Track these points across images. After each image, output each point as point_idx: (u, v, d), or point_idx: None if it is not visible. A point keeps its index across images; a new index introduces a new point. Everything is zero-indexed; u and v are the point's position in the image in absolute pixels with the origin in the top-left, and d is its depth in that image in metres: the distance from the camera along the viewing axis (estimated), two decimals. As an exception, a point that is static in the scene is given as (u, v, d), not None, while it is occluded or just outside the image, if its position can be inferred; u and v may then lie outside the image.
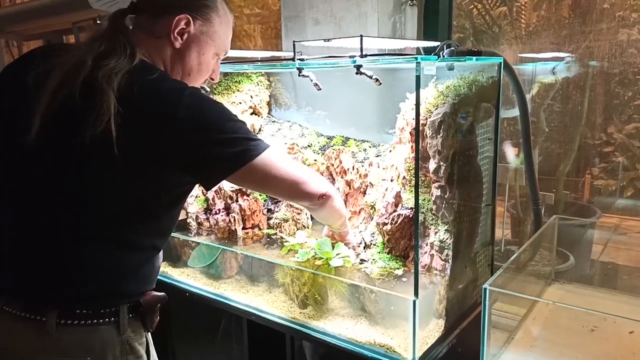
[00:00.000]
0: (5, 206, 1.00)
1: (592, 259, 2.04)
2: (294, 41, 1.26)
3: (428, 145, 1.21)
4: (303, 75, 1.31)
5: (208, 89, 1.69)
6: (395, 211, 1.30)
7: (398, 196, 1.31)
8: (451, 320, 1.29)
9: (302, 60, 1.28)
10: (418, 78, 1.03)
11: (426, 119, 1.22)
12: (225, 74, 1.88)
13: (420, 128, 1.23)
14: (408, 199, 1.34)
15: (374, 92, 1.63)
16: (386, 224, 1.30)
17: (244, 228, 1.63)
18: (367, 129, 1.75)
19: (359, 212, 1.63)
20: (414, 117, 1.22)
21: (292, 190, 1.09)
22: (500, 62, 1.39)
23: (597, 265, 2.04)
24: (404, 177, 1.34)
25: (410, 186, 1.33)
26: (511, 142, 2.30)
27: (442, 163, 1.19)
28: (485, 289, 1.11)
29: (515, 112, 1.66)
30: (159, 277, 1.61)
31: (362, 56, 1.12)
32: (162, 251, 1.15)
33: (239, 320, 1.50)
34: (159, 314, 1.11)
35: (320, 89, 1.36)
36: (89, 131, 0.88)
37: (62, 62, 0.93)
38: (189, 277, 1.63)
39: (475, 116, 1.30)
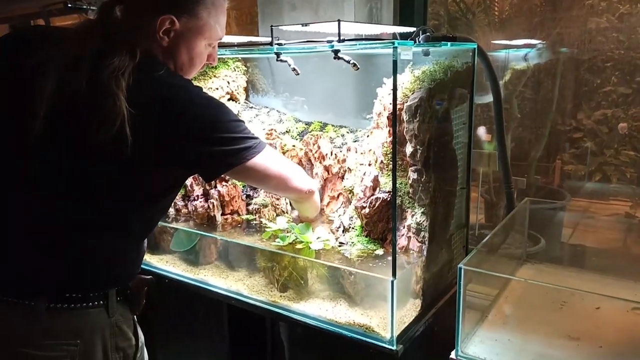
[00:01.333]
0: None
1: (562, 242, 2.11)
2: (271, 26, 1.26)
3: (405, 130, 1.23)
4: (281, 60, 1.31)
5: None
6: (373, 195, 1.33)
7: (376, 180, 1.33)
8: (427, 300, 1.33)
9: (280, 44, 1.28)
10: (395, 63, 1.05)
11: (403, 103, 1.24)
12: (202, 60, 1.87)
13: (397, 113, 1.26)
14: (385, 182, 1.36)
15: (351, 77, 1.64)
16: (364, 207, 1.33)
17: (223, 214, 1.63)
18: (345, 114, 1.77)
19: (337, 196, 1.65)
20: (392, 102, 1.24)
21: (285, 185, 1.17)
22: (474, 48, 1.42)
23: (567, 248, 2.11)
24: (381, 162, 1.37)
25: (387, 170, 1.35)
26: (485, 128, 2.35)
27: (418, 147, 1.22)
28: (460, 268, 1.15)
29: (488, 98, 1.70)
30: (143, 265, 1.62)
31: (340, 41, 1.13)
32: None
33: (219, 306, 1.51)
34: (145, 298, 1.12)
35: (298, 74, 1.36)
36: (99, 131, 0.88)
37: (60, 55, 0.92)
38: (168, 264, 1.63)
39: (451, 101, 1.33)
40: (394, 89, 1.08)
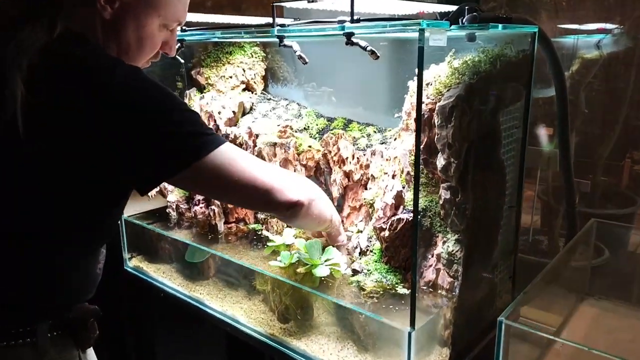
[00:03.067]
0: None
1: (630, 251, 1.77)
2: (272, 4, 1.02)
3: (436, 137, 0.96)
4: (284, 45, 1.07)
5: (182, 60, 1.47)
6: (395, 215, 1.07)
7: (399, 196, 1.07)
8: (459, 348, 1.07)
9: (283, 26, 1.04)
10: (421, 50, 0.79)
11: (435, 103, 0.97)
12: (215, 44, 1.65)
13: (428, 114, 0.99)
14: (412, 199, 1.10)
15: (386, 66, 1.38)
16: (384, 229, 1.07)
17: (226, 222, 1.42)
18: (376, 110, 1.51)
19: (359, 208, 1.40)
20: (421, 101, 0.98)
21: (252, 199, 0.88)
22: (535, 32, 1.12)
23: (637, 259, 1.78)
24: (407, 173, 1.10)
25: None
26: (545, 125, 2.02)
27: (452, 159, 0.95)
28: (500, 322, 0.88)
29: (550, 92, 1.39)
30: (135, 272, 1.44)
31: (353, 21, 0.88)
32: (103, 256, 0.96)
33: (215, 329, 1.31)
34: (98, 328, 0.93)
35: (306, 63, 1.11)
36: None
37: None
38: (164, 275, 1.45)
39: (499, 100, 1.04)
40: (419, 85, 0.81)
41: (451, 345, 1.04)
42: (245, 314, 1.23)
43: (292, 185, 0.90)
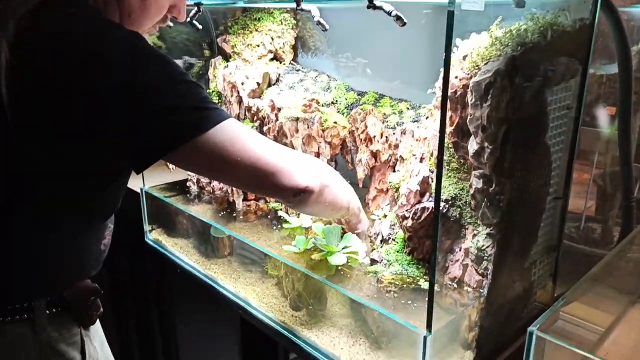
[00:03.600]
0: None
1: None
2: (290, -40, 0.91)
3: (469, 117, 0.84)
4: (301, 10, 0.96)
5: (200, 26, 1.38)
6: (419, 202, 0.96)
7: (426, 182, 0.96)
8: (485, 353, 0.96)
9: (300, -13, 0.93)
10: (451, 15, 0.67)
11: (470, 78, 0.84)
12: (244, 10, 1.56)
13: (461, 91, 0.87)
14: (443, 187, 0.98)
15: (426, 37, 1.25)
16: (406, 217, 0.97)
17: (245, 199, 1.36)
18: (411, 84, 1.39)
19: (387, 190, 1.30)
20: (455, 75, 0.86)
21: (256, 181, 0.79)
22: (597, -2, 0.96)
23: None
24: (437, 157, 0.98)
25: (449, 170, 0.97)
26: (607, 104, 1.82)
27: (486, 144, 0.82)
28: (531, 333, 0.77)
29: (611, 68, 1.22)
30: (155, 245, 1.41)
31: (375, -20, 0.76)
32: (109, 232, 0.91)
33: (229, 309, 1.26)
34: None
35: (325, 29, 1.00)
36: None
37: None
38: (181, 251, 1.40)
39: (548, 76, 0.90)
40: (446, 57, 0.70)
41: (476, 350, 0.94)
42: (258, 297, 1.16)
43: (302, 168, 0.81)
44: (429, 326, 0.79)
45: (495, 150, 0.82)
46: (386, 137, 1.24)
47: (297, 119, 1.26)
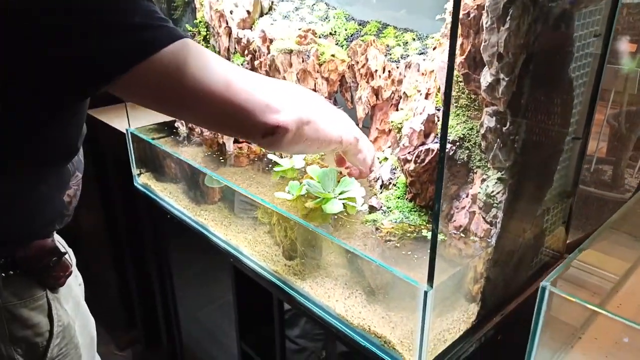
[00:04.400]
0: None
1: None
2: None
3: (483, 44, 0.72)
4: None
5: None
6: (423, 144, 0.86)
7: (430, 121, 0.85)
8: (490, 305, 0.90)
9: None
10: None
11: (486, -3, 0.72)
12: None
13: (475, 13, 0.74)
14: (451, 126, 0.88)
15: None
16: (409, 160, 0.87)
17: (236, 141, 1.26)
18: (417, 12, 1.25)
19: (389, 131, 1.19)
20: (467, -6, 0.73)
21: (214, 118, 0.67)
22: None
23: None
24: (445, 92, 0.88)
25: (458, 107, 0.87)
26: (628, 38, 1.66)
27: (502, 75, 0.71)
28: (544, 288, 0.69)
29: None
30: (144, 190, 1.33)
31: None
32: (77, 182, 0.82)
33: (220, 256, 1.20)
34: (66, 266, 0.82)
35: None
36: None
37: None
38: (171, 196, 1.33)
39: (577, -4, 0.77)
40: (459, -34, 0.57)
41: (480, 302, 0.87)
42: (250, 245, 1.10)
43: (273, 101, 0.69)
44: (430, 280, 0.71)
45: (511, 83, 0.71)
46: (389, 71, 1.12)
47: (290, 52, 1.14)
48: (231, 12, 1.27)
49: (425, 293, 0.72)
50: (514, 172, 0.81)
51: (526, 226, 0.90)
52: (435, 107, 0.89)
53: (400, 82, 1.11)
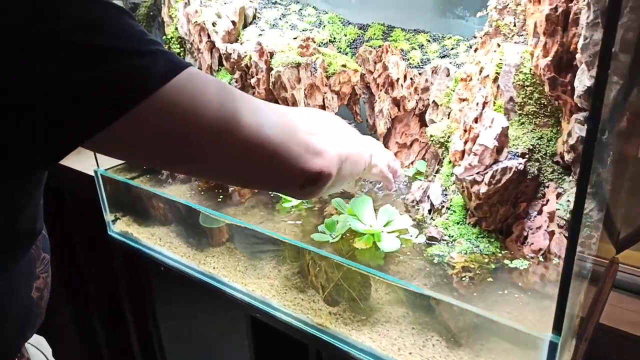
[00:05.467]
0: None
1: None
2: None
3: (582, 43, 0.62)
4: None
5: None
6: (497, 161, 0.75)
7: (504, 135, 0.74)
8: (584, 335, 0.80)
9: None
10: None
11: (578, -13, 0.62)
12: None
13: (563, 7, 0.64)
14: (517, 137, 0.77)
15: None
16: (479, 182, 0.75)
17: (237, 173, 1.09)
18: (420, 9, 1.14)
19: (411, 144, 1.08)
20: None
21: (243, 170, 0.49)
22: None
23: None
24: (510, 99, 0.77)
25: (522, 115, 0.76)
26: None
27: (615, 77, 0.61)
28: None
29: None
30: (123, 239, 1.14)
31: None
32: (44, 269, 0.62)
33: (237, 311, 1.03)
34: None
35: None
36: None
37: None
38: (162, 243, 1.13)
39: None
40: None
41: (577, 336, 0.77)
42: (278, 294, 0.93)
43: (312, 140, 0.53)
44: (557, 328, 0.60)
45: (625, 85, 0.61)
46: (411, 79, 1.00)
47: (298, 65, 0.99)
48: (214, 25, 1.10)
49: (554, 345, 0.60)
50: (603, 183, 0.71)
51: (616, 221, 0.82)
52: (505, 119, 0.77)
53: (425, 90, 0.99)
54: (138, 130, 0.40)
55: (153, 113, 0.40)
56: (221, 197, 1.09)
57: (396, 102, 1.02)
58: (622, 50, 0.60)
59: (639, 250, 1.09)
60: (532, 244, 0.78)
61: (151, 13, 1.22)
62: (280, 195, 1.03)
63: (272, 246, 0.99)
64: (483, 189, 0.75)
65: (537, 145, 0.77)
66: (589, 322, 0.85)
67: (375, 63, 1.04)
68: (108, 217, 1.22)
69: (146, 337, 1.33)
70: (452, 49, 1.03)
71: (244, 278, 0.99)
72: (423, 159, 1.08)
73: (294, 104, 1.02)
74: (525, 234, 0.79)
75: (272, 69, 1.01)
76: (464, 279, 0.75)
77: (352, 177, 0.68)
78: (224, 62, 1.11)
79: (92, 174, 1.18)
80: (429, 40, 1.06)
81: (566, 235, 0.76)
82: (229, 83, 1.14)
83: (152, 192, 1.11)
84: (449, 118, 0.94)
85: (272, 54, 1.02)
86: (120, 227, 1.21)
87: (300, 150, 0.51)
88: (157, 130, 0.41)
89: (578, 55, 0.63)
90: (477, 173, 0.75)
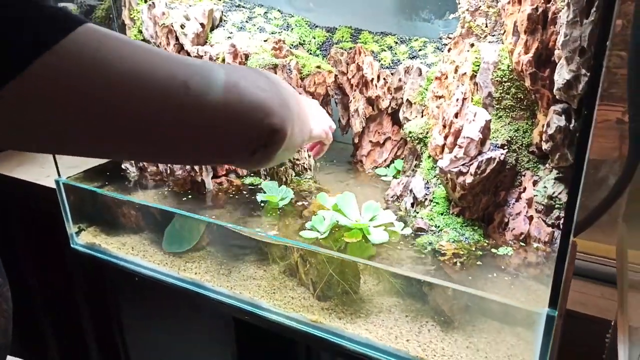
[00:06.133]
0: None
1: None
2: None
3: (562, 39, 0.68)
4: None
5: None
6: (481, 153, 0.79)
7: (487, 129, 0.79)
8: (560, 312, 0.86)
9: None
10: None
11: (555, -11, 0.68)
12: None
13: (543, 7, 0.70)
14: (496, 130, 0.83)
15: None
16: (464, 173, 0.80)
17: (214, 176, 1.07)
18: (384, 13, 1.18)
19: (383, 143, 1.11)
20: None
21: (174, 137, 0.39)
22: None
23: None
24: (488, 94, 0.82)
25: (500, 109, 0.82)
26: None
27: (584, 71, 0.67)
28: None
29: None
30: (88, 251, 1.08)
31: None
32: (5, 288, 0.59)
33: (222, 317, 1.01)
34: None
35: None
36: None
37: None
38: (135, 252, 1.09)
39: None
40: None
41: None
42: (267, 294, 0.93)
43: (258, 96, 0.43)
44: (554, 303, 0.65)
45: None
46: (384, 79, 1.04)
47: (275, 67, 1.00)
48: (182, 27, 1.08)
49: (551, 318, 0.65)
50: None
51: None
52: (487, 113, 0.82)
53: (398, 89, 1.04)
54: (32, 90, 0.32)
55: (53, 71, 0.33)
56: (192, 198, 1.07)
57: (370, 102, 1.06)
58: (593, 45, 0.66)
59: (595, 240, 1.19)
60: (514, 229, 0.83)
61: (110, 15, 1.18)
62: (258, 192, 1.02)
63: (255, 247, 0.98)
64: (469, 179, 0.80)
65: (514, 137, 0.83)
66: (561, 299, 0.92)
67: (348, 64, 1.06)
68: (71, 229, 1.15)
69: (114, 354, 1.27)
70: (420, 50, 1.08)
71: (229, 281, 0.98)
72: (395, 156, 1.12)
73: (271, 105, 1.02)
74: (506, 220, 0.85)
75: (247, 70, 1.01)
76: (456, 264, 0.79)
77: (302, 138, 0.59)
78: (195, 65, 1.09)
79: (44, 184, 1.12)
80: (397, 42, 1.10)
81: (544, 219, 0.82)
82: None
83: (122, 199, 1.07)
84: (422, 115, 0.98)
85: (247, 56, 1.02)
86: (86, 238, 1.15)
87: (246, 109, 0.42)
88: (60, 93, 0.33)
89: (557, 51, 0.69)
90: (463, 164, 0.80)
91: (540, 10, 0.69)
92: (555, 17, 0.69)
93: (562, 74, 0.69)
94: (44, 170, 1.35)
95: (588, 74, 0.68)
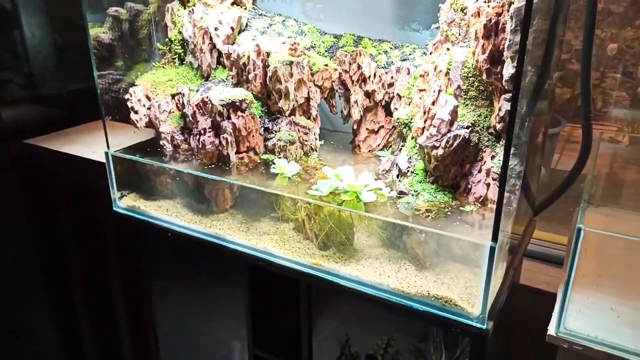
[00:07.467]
0: None
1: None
2: None
3: (507, 43, 0.91)
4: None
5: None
6: (450, 131, 1.02)
7: (454, 112, 1.02)
8: (509, 261, 1.08)
9: None
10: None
11: (502, 5, 0.91)
12: (197, -50, 1.44)
13: (495, 19, 0.93)
14: (462, 115, 1.05)
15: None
16: (436, 147, 1.02)
17: (237, 152, 1.30)
18: (382, 24, 1.42)
19: (378, 130, 1.34)
20: (488, 4, 0.91)
21: None
22: None
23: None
24: (457, 87, 1.05)
25: (467, 99, 1.04)
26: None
27: (529, 67, 0.90)
28: (579, 229, 0.89)
29: None
30: (129, 213, 1.29)
31: None
32: None
33: (239, 265, 1.23)
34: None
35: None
36: None
37: None
38: (169, 213, 1.31)
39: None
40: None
41: (507, 259, 1.05)
42: (278, 245, 1.15)
43: None
44: (495, 237, 0.87)
45: (530, 74, 0.90)
46: (379, 76, 1.27)
47: (291, 63, 1.23)
48: (216, 29, 1.32)
49: (492, 249, 0.87)
50: (522, 148, 1.00)
51: (532, 186, 1.11)
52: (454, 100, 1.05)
53: (390, 85, 1.26)
54: None
55: None
56: (225, 169, 1.29)
57: (367, 95, 1.29)
58: (535, 47, 0.89)
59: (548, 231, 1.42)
60: (475, 193, 1.05)
61: (156, 19, 1.42)
62: (271, 166, 1.25)
63: (271, 208, 1.21)
64: (440, 152, 1.02)
65: (477, 121, 1.05)
66: (515, 256, 1.14)
67: (351, 64, 1.30)
68: (115, 194, 1.38)
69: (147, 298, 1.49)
70: (410, 54, 1.31)
71: (247, 235, 1.20)
72: (387, 142, 1.35)
73: (287, 94, 1.26)
74: (469, 186, 1.07)
75: (268, 65, 1.25)
76: (428, 217, 1.01)
77: None
78: (225, 61, 1.33)
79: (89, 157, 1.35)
80: (391, 48, 1.33)
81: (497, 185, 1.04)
82: (226, 79, 1.36)
83: (162, 167, 1.30)
84: (409, 105, 1.21)
85: (268, 54, 1.26)
86: (127, 202, 1.38)
87: None
88: None
89: (505, 52, 0.92)
90: (436, 140, 1.02)
91: (493, 21, 0.92)
92: (504, 26, 0.92)
93: (508, 70, 0.92)
94: (88, 148, 1.58)
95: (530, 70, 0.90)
